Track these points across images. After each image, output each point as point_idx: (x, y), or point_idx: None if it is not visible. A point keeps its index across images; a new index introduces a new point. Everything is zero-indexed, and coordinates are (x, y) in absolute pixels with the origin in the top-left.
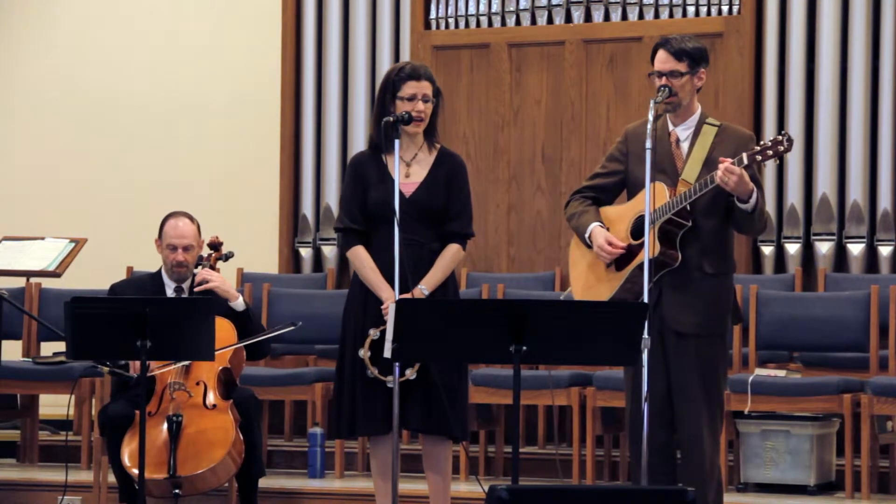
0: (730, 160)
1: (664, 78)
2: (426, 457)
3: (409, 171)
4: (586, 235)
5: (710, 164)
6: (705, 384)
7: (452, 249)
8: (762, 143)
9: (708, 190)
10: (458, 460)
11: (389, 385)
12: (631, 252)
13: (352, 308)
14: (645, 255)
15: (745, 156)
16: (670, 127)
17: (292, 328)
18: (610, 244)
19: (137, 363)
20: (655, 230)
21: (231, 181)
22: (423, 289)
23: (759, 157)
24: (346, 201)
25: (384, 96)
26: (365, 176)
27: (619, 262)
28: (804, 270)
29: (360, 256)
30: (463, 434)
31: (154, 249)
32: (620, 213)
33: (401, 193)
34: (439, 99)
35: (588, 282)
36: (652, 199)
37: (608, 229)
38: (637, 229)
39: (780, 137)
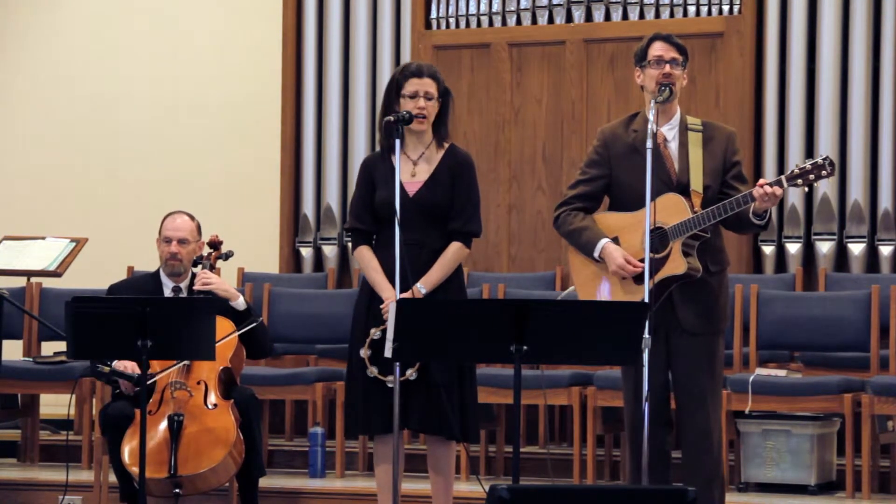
0: (767, 182)
1: (667, 66)
2: (429, 457)
3: (415, 170)
4: (596, 253)
5: (709, 171)
6: (713, 381)
7: (453, 248)
8: (803, 166)
9: (743, 209)
10: (458, 460)
11: (389, 385)
12: (653, 265)
13: (359, 307)
14: (646, 254)
15: (784, 179)
16: (656, 127)
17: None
18: (629, 263)
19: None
20: (679, 245)
21: (232, 181)
22: (421, 288)
23: (800, 182)
24: (355, 202)
25: (389, 95)
26: (373, 176)
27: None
28: (805, 270)
29: (365, 256)
30: (465, 435)
31: (154, 249)
32: (628, 223)
33: (405, 193)
34: (448, 98)
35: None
36: (665, 209)
37: (616, 238)
38: (653, 242)
39: (822, 161)
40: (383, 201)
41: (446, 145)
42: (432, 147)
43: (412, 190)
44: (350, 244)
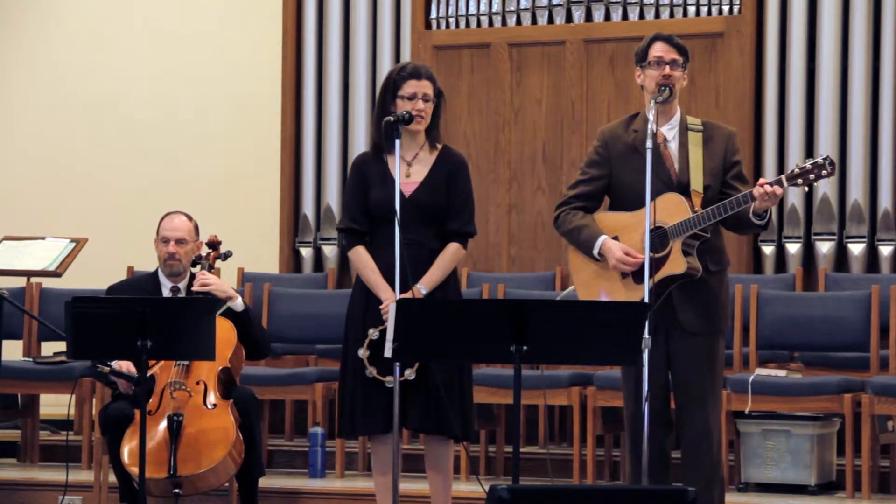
0: (767, 181)
1: (667, 67)
2: (427, 456)
3: (409, 170)
4: (595, 250)
5: (709, 171)
6: (713, 381)
7: (452, 248)
8: (803, 165)
9: (743, 209)
10: (458, 460)
11: (388, 385)
12: (653, 264)
13: (354, 308)
14: (646, 253)
15: (784, 178)
16: (656, 127)
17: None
18: (629, 255)
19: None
20: (679, 244)
21: (231, 181)
22: (421, 288)
23: (800, 181)
24: (348, 202)
25: (385, 96)
26: (367, 176)
27: (634, 273)
28: (805, 270)
29: (361, 257)
30: (465, 434)
31: (154, 249)
32: (628, 222)
33: (401, 193)
34: (441, 99)
35: (607, 290)
36: (665, 208)
37: (616, 238)
38: (653, 241)
39: (822, 161)
40: (379, 201)
41: (439, 146)
42: (426, 148)
43: (408, 190)
44: (343, 244)
